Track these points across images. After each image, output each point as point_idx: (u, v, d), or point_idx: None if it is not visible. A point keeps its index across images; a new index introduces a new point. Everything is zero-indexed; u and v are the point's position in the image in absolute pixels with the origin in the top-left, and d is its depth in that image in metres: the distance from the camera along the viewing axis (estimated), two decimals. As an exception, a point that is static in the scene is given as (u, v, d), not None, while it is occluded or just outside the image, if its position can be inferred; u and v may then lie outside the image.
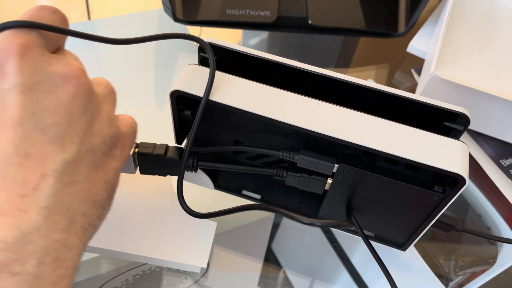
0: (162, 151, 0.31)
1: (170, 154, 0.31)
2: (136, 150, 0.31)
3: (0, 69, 0.21)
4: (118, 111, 0.27)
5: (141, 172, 0.32)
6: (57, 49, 0.24)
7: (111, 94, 0.26)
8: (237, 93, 0.27)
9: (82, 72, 0.23)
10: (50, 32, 0.23)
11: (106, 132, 0.24)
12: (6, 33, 0.21)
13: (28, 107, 0.21)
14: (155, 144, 0.31)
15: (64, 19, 0.24)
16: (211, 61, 0.27)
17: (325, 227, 0.26)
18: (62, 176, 0.21)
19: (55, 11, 0.24)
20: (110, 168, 0.25)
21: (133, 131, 0.28)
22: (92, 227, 0.23)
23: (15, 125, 0.20)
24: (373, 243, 0.33)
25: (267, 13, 0.48)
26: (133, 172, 0.31)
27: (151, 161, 0.31)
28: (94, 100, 0.24)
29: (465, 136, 0.45)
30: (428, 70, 0.42)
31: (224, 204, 0.37)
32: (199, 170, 0.33)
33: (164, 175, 0.32)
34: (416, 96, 0.28)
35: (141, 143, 0.31)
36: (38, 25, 0.22)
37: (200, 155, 0.32)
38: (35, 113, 0.21)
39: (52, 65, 0.22)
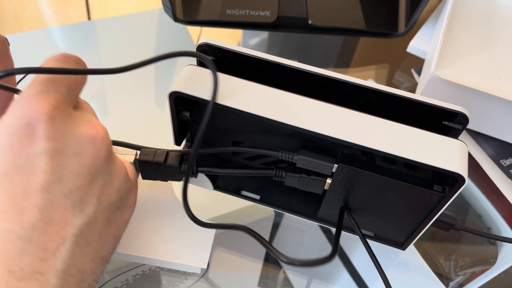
0: (162, 158, 0.31)
1: (169, 161, 0.31)
2: (137, 157, 0.31)
3: (31, 130, 0.21)
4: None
5: (143, 178, 0.32)
6: (76, 103, 0.25)
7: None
8: (236, 94, 0.27)
9: (105, 132, 0.24)
10: (75, 86, 0.24)
11: (123, 188, 0.25)
12: (37, 90, 0.22)
13: (56, 172, 0.21)
14: (156, 150, 0.31)
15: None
16: (212, 68, 0.27)
17: (304, 267, 0.26)
18: (78, 239, 0.22)
19: (79, 62, 0.24)
20: (121, 221, 0.26)
21: (135, 176, 0.29)
22: (96, 282, 0.24)
23: (42, 190, 0.21)
24: (373, 242, 0.33)
25: (267, 13, 0.48)
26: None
27: (151, 167, 0.31)
28: (114, 158, 0.24)
29: (465, 136, 0.44)
30: (428, 70, 0.42)
31: (223, 204, 0.37)
32: (198, 172, 0.33)
33: (166, 180, 0.33)
34: (415, 95, 0.28)
35: (142, 149, 0.31)
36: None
37: (199, 158, 0.32)
38: (61, 178, 0.21)
39: (79, 127, 0.22)
